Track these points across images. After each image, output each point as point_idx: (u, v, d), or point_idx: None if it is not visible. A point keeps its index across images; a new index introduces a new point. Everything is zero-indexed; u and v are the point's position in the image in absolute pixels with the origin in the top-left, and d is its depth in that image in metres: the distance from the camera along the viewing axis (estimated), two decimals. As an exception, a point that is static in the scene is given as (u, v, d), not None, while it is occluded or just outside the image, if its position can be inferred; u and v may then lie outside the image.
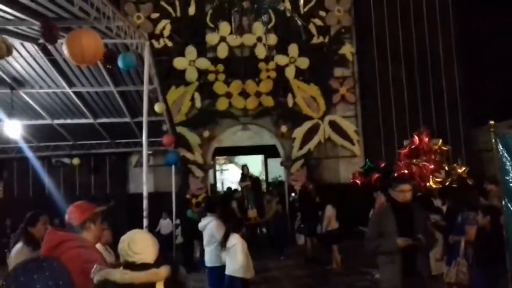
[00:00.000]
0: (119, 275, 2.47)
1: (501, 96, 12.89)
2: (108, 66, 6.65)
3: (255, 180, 13.09)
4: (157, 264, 2.62)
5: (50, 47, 7.17)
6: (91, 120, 10.74)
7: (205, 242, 6.58)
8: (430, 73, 14.82)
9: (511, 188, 4.37)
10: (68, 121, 10.80)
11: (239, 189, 13.25)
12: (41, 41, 6.53)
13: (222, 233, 6.06)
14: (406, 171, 9.36)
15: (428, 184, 8.81)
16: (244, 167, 12.91)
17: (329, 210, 9.73)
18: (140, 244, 2.60)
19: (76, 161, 12.69)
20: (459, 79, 14.83)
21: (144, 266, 2.54)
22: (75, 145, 12.34)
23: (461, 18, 14.82)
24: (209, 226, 6.47)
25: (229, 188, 15.94)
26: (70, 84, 9.00)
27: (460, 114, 14.75)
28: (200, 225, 6.67)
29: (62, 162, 13.01)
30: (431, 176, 8.90)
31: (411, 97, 14.70)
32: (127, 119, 10.81)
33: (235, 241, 5.67)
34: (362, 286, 8.43)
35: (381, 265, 4.38)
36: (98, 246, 3.82)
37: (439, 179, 8.86)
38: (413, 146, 9.67)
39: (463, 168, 8.99)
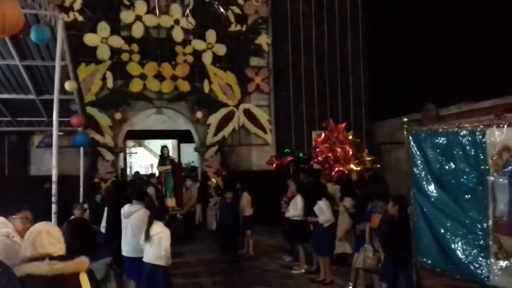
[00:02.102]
0: (48, 267, 2.32)
1: (398, 95, 14.03)
2: (22, 36, 6.10)
3: (177, 164, 11.80)
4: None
5: None
6: (-11, 95, 9.76)
7: (129, 232, 6.15)
8: (338, 69, 15.68)
9: (419, 180, 4.78)
10: (-37, 95, 9.69)
11: (156, 173, 12.48)
12: None
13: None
14: (329, 154, 9.66)
15: (350, 166, 9.27)
16: (164, 149, 11.53)
17: (245, 197, 9.95)
18: (57, 234, 2.53)
19: (-30, 139, 11.47)
20: (364, 78, 15.89)
21: (63, 258, 2.46)
22: (-30, 121, 11.14)
23: (369, 22, 15.88)
24: (137, 214, 6.12)
25: (137, 173, 15.43)
26: (-32, 55, 8.07)
27: (364, 109, 15.83)
28: (124, 212, 6.26)
29: (-48, 140, 11.69)
30: (352, 159, 9.41)
31: (320, 90, 15.46)
32: (32, 96, 9.97)
33: (160, 229, 5.54)
34: (273, 270, 8.78)
35: None
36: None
37: (357, 163, 9.41)
38: (328, 132, 10.00)
39: (370, 158, 9.67)
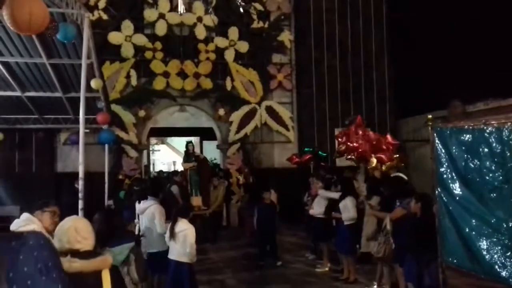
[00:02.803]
0: (67, 264, 2.36)
1: (423, 92, 13.80)
2: (49, 35, 6.22)
3: (202, 161, 10.84)
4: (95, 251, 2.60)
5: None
6: (18, 93, 9.97)
7: (143, 227, 6.24)
8: (362, 66, 15.48)
9: (444, 178, 4.68)
10: (-8, 93, 9.95)
11: (179, 170, 12.33)
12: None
13: (163, 219, 5.93)
14: (374, 142, 9.03)
15: (394, 155, 8.97)
16: (189, 145, 10.76)
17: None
18: (85, 230, 2.57)
19: (-1, 136, 11.78)
20: (388, 74, 15.65)
21: (88, 254, 2.51)
22: (-1, 118, 11.45)
23: (393, 17, 15.62)
24: (148, 210, 6.17)
25: (161, 172, 15.55)
26: (-4, 53, 8.28)
27: (388, 106, 15.60)
28: (139, 208, 6.34)
29: (-19, 137, 12.01)
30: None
31: (344, 87, 15.29)
32: (59, 94, 10.19)
33: (185, 226, 5.60)
34: (296, 267, 8.76)
35: None
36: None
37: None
38: (355, 127, 9.52)
39: (396, 155, 9.45)
